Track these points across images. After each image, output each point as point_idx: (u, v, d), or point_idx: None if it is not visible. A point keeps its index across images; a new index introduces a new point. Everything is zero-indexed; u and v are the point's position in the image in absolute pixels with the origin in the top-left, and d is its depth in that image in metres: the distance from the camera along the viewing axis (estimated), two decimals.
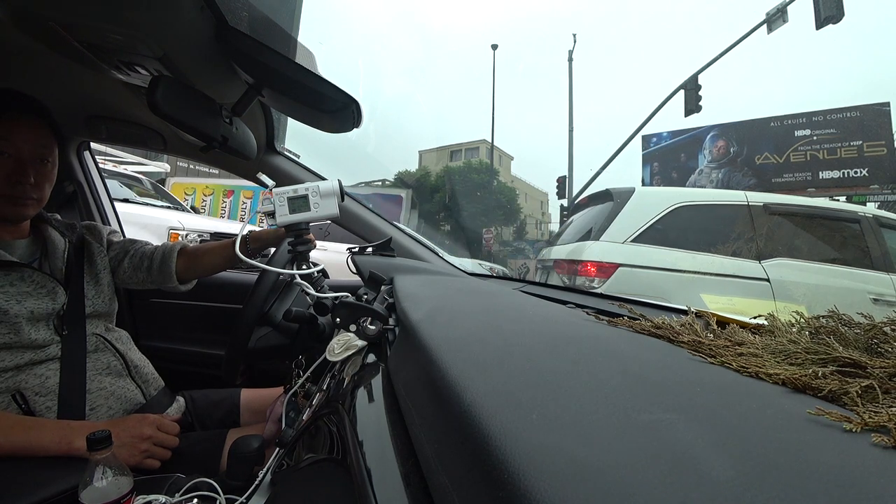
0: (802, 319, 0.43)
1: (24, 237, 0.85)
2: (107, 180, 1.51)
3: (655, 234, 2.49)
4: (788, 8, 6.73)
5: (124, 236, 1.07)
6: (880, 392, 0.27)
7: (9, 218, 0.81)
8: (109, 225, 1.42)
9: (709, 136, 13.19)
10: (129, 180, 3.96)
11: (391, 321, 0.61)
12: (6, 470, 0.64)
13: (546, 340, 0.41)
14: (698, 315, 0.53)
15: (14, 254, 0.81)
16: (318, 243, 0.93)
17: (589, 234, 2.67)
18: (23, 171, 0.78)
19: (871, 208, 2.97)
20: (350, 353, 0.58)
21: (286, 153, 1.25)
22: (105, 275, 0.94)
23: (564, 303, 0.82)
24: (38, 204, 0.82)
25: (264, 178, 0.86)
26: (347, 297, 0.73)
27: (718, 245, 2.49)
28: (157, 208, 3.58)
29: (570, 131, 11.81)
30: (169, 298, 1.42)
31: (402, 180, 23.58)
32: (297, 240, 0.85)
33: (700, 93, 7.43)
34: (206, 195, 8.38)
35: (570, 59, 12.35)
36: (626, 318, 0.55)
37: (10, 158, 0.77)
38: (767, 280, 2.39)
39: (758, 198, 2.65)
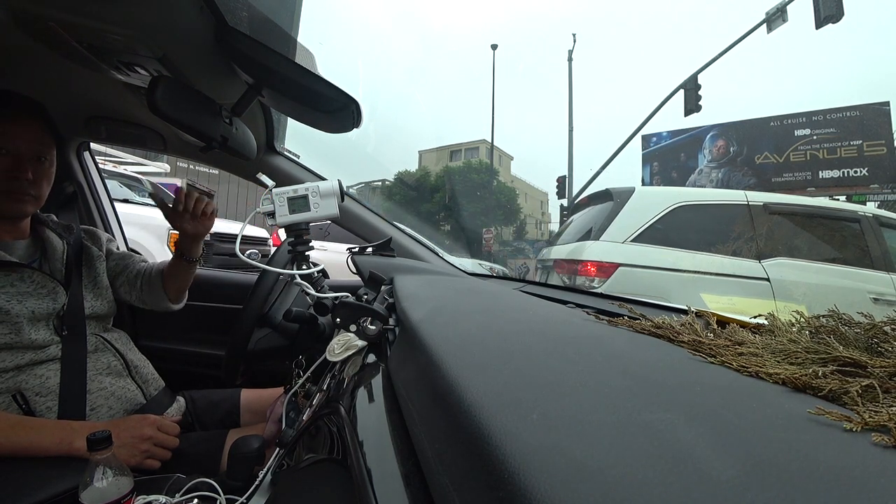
0: (802, 319, 0.43)
1: (23, 238, 0.85)
2: (107, 181, 1.51)
3: (655, 233, 2.49)
4: (788, 7, 6.73)
5: (125, 237, 1.07)
6: (880, 391, 0.27)
7: (7, 214, 0.81)
8: (110, 226, 1.42)
9: (708, 136, 13.19)
10: (129, 181, 3.96)
11: (391, 321, 0.61)
12: (6, 470, 0.64)
13: (546, 340, 0.41)
14: (698, 315, 0.53)
15: (14, 254, 0.81)
16: (318, 243, 0.93)
17: (589, 234, 2.67)
18: (20, 168, 0.79)
19: (871, 208, 2.97)
20: (350, 353, 0.58)
21: (286, 153, 1.25)
22: (103, 279, 0.94)
23: (564, 303, 0.82)
24: (35, 202, 0.83)
25: (264, 178, 0.86)
26: (347, 297, 0.72)
27: (718, 245, 2.49)
28: (157, 208, 3.58)
29: (570, 131, 11.81)
30: None
31: (401, 180, 23.59)
32: (297, 240, 0.85)
33: (700, 92, 7.42)
34: None
35: (570, 59, 12.36)
36: (626, 317, 0.55)
37: (8, 155, 0.78)
38: (767, 279, 2.39)
39: (758, 197, 2.65)
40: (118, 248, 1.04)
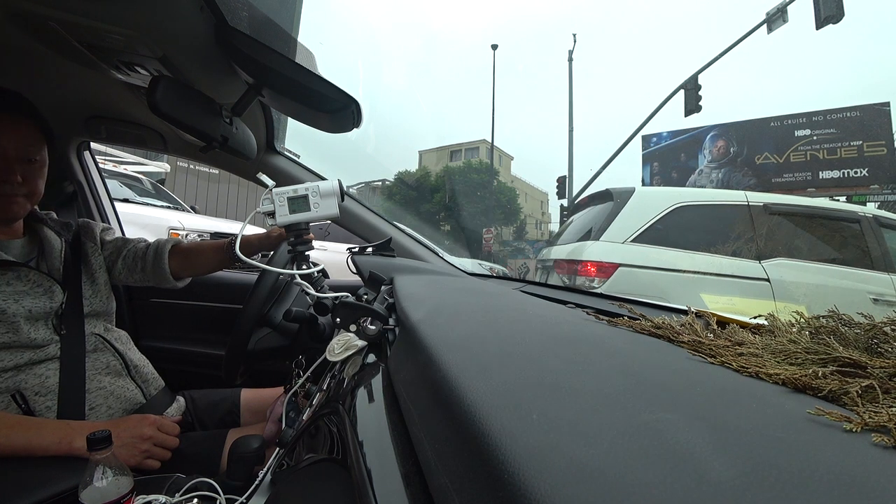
0: (802, 319, 0.43)
1: (19, 237, 0.85)
2: (107, 180, 1.51)
3: (655, 234, 2.49)
4: (788, 8, 6.73)
5: (123, 234, 1.06)
6: (880, 392, 0.27)
7: None
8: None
9: (709, 136, 13.19)
10: (129, 180, 3.96)
11: (391, 321, 0.61)
12: (6, 470, 0.64)
13: (546, 340, 0.41)
14: (698, 315, 0.53)
15: (10, 253, 0.81)
16: (318, 243, 0.93)
17: (589, 234, 2.67)
18: (9, 170, 0.77)
19: (871, 208, 2.97)
20: (350, 353, 0.58)
21: (286, 153, 1.25)
22: (101, 274, 0.94)
23: (564, 303, 0.82)
24: (27, 201, 0.81)
25: (264, 178, 0.86)
26: (347, 297, 0.72)
27: (718, 245, 2.49)
28: (157, 208, 3.59)
29: (570, 131, 11.80)
30: (169, 298, 1.42)
31: (401, 180, 23.60)
32: (297, 240, 0.85)
33: (700, 93, 7.43)
34: None
35: (570, 59, 12.35)
36: (626, 318, 0.55)
37: None
38: (767, 280, 2.39)
39: (758, 198, 2.65)
40: (113, 236, 1.03)
